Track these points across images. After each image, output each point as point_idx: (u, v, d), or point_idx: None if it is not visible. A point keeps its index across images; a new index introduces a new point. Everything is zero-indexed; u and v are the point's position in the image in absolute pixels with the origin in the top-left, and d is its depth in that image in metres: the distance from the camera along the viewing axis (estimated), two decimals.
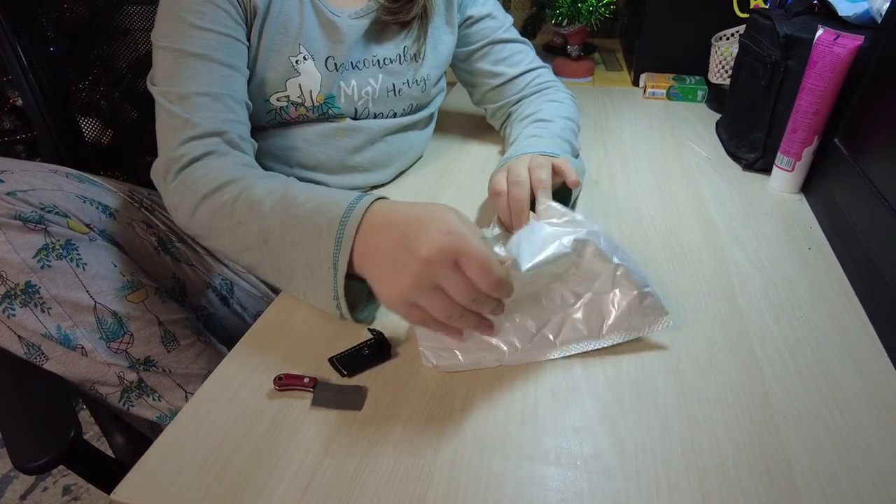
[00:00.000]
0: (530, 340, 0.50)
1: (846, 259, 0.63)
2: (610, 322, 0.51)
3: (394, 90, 0.77)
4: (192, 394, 0.62)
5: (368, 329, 0.51)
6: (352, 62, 0.73)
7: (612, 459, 0.42)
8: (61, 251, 0.55)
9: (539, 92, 0.85)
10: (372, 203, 0.50)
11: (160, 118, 0.61)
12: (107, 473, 0.56)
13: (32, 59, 0.79)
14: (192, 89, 0.60)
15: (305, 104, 0.71)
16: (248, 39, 0.67)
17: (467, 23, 0.83)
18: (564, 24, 1.21)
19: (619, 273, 0.50)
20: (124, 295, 0.59)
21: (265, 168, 0.71)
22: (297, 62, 0.69)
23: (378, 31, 0.74)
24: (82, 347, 0.56)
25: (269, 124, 0.72)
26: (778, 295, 0.58)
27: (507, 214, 0.62)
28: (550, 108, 0.80)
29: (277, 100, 0.70)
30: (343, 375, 0.49)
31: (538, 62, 0.88)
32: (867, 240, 0.59)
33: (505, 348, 0.50)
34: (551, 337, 0.51)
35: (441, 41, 0.80)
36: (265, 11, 0.66)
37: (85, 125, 0.90)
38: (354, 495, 0.39)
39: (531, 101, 0.84)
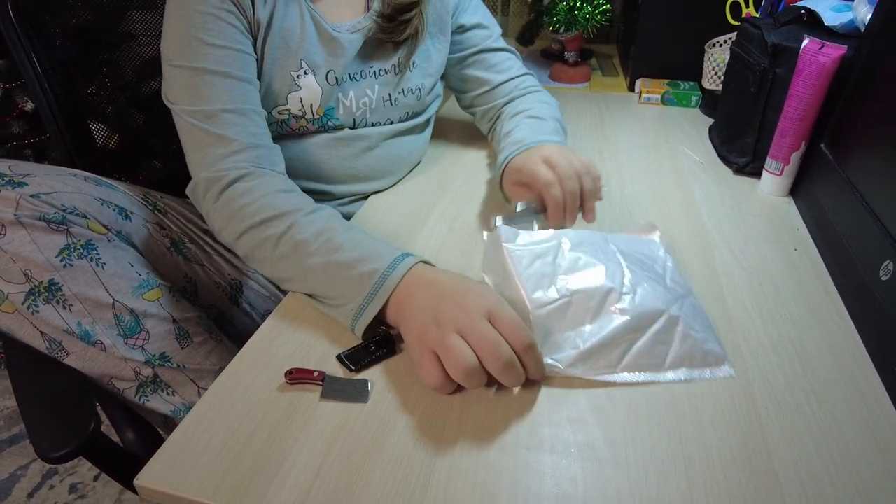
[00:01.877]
0: (590, 359, 0.51)
1: (829, 259, 0.66)
2: (672, 357, 0.51)
3: (390, 99, 0.79)
4: (205, 389, 0.65)
5: (378, 329, 0.54)
6: (350, 74, 0.75)
7: (603, 448, 0.45)
8: (82, 251, 0.58)
9: (526, 95, 0.87)
10: (415, 264, 0.54)
11: (190, 136, 0.63)
12: (122, 465, 0.59)
13: (43, 64, 0.82)
14: (218, 106, 0.63)
15: (306, 116, 0.74)
16: (257, 52, 0.70)
17: (458, 31, 0.86)
18: (561, 30, 1.24)
19: (679, 322, 0.51)
20: (141, 293, 0.62)
21: None
22: (297, 77, 0.71)
23: (373, 44, 0.77)
24: (101, 343, 0.59)
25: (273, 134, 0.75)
26: (763, 293, 0.61)
27: (558, 210, 0.64)
28: (541, 107, 0.83)
29: (279, 113, 0.73)
30: (351, 371, 0.51)
31: (524, 69, 0.91)
32: (849, 241, 0.62)
33: (562, 362, 0.51)
34: (612, 361, 0.51)
35: (434, 50, 0.83)
36: (268, 25, 0.69)
37: (93, 129, 0.93)
38: (362, 480, 0.42)
39: (520, 101, 0.86)
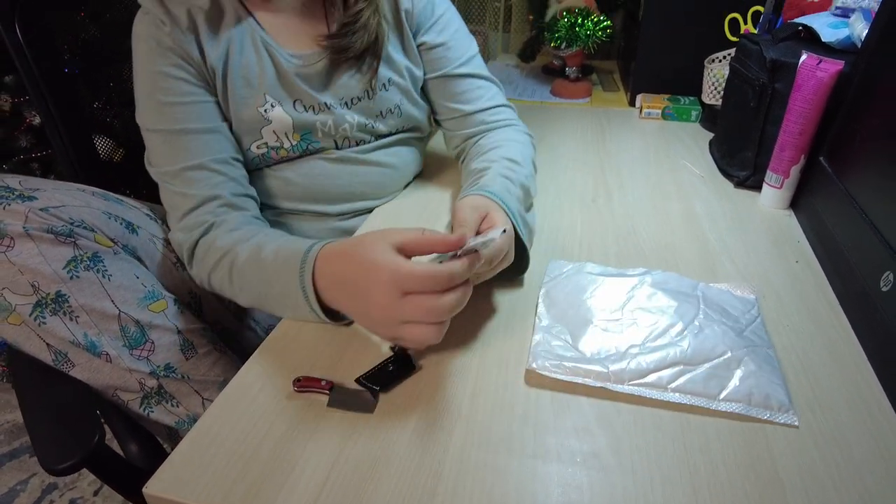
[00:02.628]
0: (643, 377, 0.51)
1: (831, 271, 0.66)
2: (729, 390, 0.50)
3: (370, 123, 0.78)
4: (210, 400, 0.66)
5: (390, 346, 0.54)
6: (322, 103, 0.74)
7: (609, 457, 0.45)
8: (89, 263, 0.58)
9: (495, 131, 0.81)
10: (324, 245, 0.56)
11: (162, 195, 0.69)
12: (125, 477, 0.59)
13: (50, 79, 0.83)
14: (180, 165, 0.67)
15: (284, 146, 0.74)
16: (216, 95, 0.71)
17: (420, 49, 0.81)
18: (563, 46, 1.26)
19: (741, 364, 0.51)
20: (146, 305, 0.62)
21: (269, 206, 0.77)
22: (265, 111, 0.72)
23: (337, 70, 0.75)
24: (107, 354, 0.59)
25: (258, 167, 0.76)
26: (766, 304, 0.61)
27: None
28: (510, 152, 0.75)
29: (257, 147, 0.73)
30: (377, 391, 0.51)
31: (499, 99, 0.84)
32: (850, 252, 0.62)
33: (613, 376, 0.51)
34: (664, 381, 0.51)
35: (403, 66, 0.79)
36: (223, 69, 0.69)
37: (98, 143, 0.94)
38: (370, 488, 0.42)
39: (484, 144, 0.79)
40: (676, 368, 0.51)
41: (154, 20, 0.67)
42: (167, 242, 0.71)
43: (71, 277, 0.57)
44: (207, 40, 0.68)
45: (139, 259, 0.66)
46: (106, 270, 0.60)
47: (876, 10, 0.69)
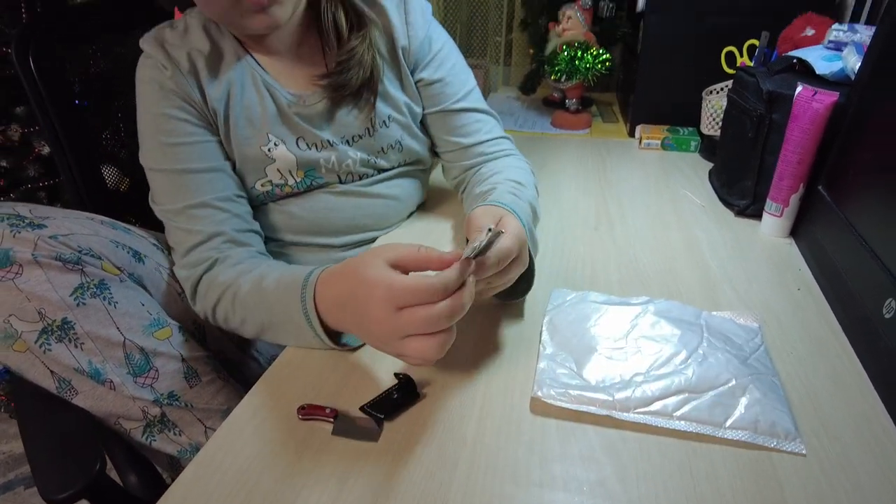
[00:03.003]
0: (648, 405, 0.51)
1: (833, 298, 0.66)
2: (734, 418, 0.49)
3: (372, 159, 0.79)
4: (212, 429, 0.65)
5: (395, 374, 0.54)
6: (324, 141, 0.75)
7: (615, 485, 0.44)
8: (95, 290, 0.59)
9: (494, 160, 0.82)
10: (323, 270, 0.58)
11: (167, 233, 0.70)
12: None
13: (60, 111, 0.84)
14: (184, 203, 0.68)
15: (289, 183, 0.75)
16: (219, 135, 0.72)
17: (418, 85, 0.81)
18: (563, 79, 1.28)
19: (746, 392, 0.51)
20: (151, 332, 0.62)
21: (273, 239, 0.78)
22: (268, 150, 0.73)
23: (337, 108, 0.76)
24: (111, 381, 0.59)
25: (263, 203, 0.77)
26: (769, 332, 0.61)
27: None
28: (512, 180, 0.76)
29: (262, 185, 0.74)
30: (381, 420, 0.51)
31: (497, 131, 0.85)
32: (851, 280, 0.63)
33: (618, 404, 0.51)
34: (670, 409, 0.50)
35: (402, 102, 0.80)
36: (225, 110, 0.71)
37: (105, 173, 0.95)
38: None
39: (485, 171, 0.80)
40: (681, 396, 0.51)
41: (156, 64, 0.69)
42: (173, 272, 0.71)
43: (77, 304, 0.57)
44: (208, 82, 0.70)
45: (145, 287, 0.67)
46: (112, 297, 0.60)
47: (867, 44, 0.71)
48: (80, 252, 0.59)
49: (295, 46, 0.75)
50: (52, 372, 0.58)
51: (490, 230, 0.49)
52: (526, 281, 0.63)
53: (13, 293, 0.55)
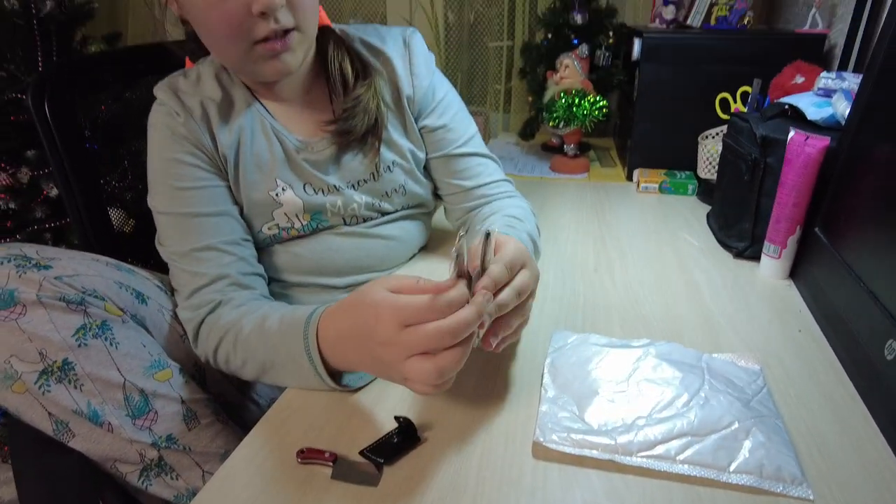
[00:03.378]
0: (650, 449, 0.50)
1: (834, 340, 0.66)
2: (739, 462, 0.49)
3: (377, 203, 0.81)
4: (210, 473, 0.64)
5: (395, 417, 0.54)
6: (330, 185, 0.77)
7: None
8: (97, 330, 0.59)
9: (495, 202, 0.84)
10: (326, 307, 0.58)
11: (171, 275, 0.71)
12: None
13: (71, 155, 0.86)
14: (190, 246, 0.69)
15: (295, 226, 0.77)
16: (227, 181, 0.74)
17: (422, 131, 0.84)
18: (561, 125, 1.31)
19: (750, 435, 0.51)
20: (152, 374, 0.62)
21: (276, 279, 0.79)
22: (276, 195, 0.74)
23: (343, 154, 0.78)
24: (109, 423, 0.59)
25: (268, 245, 0.78)
26: (771, 375, 0.61)
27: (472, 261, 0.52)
28: (512, 215, 0.78)
29: (268, 229, 0.76)
30: (381, 464, 0.50)
31: (498, 175, 0.87)
32: (852, 321, 0.63)
33: (621, 448, 0.50)
34: (673, 453, 0.50)
35: (406, 148, 0.82)
36: (235, 156, 0.73)
37: (111, 214, 0.97)
38: None
39: (486, 211, 0.82)
40: (684, 440, 0.50)
41: (169, 111, 0.71)
42: (175, 314, 0.72)
43: (79, 345, 0.57)
44: (219, 129, 0.72)
45: (147, 329, 0.67)
46: (114, 338, 0.60)
47: (856, 91, 0.73)
48: (83, 293, 0.59)
49: (303, 94, 0.78)
50: (49, 413, 0.58)
51: (461, 235, 0.47)
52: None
53: (15, 334, 0.55)
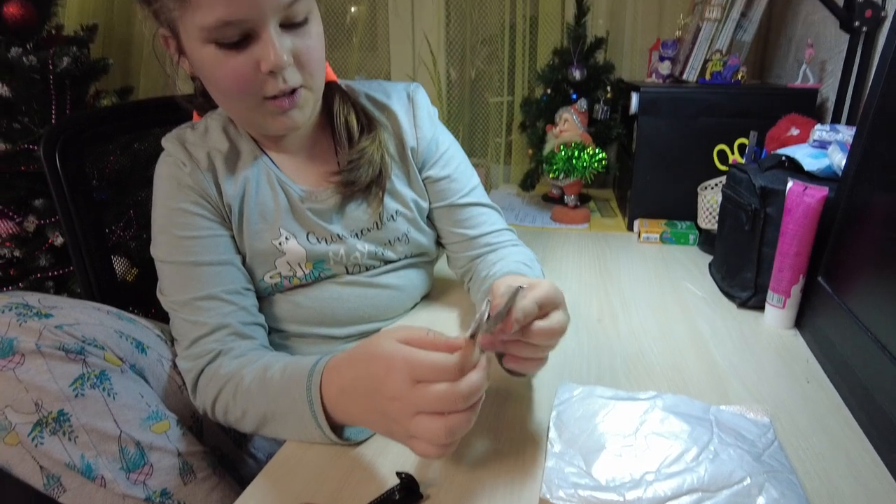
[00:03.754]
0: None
1: (844, 390, 0.65)
2: None
3: (380, 251, 0.81)
4: None
5: (396, 473, 0.53)
6: (333, 234, 0.78)
7: None
8: (95, 380, 0.58)
9: (499, 250, 0.84)
10: (331, 357, 0.58)
11: (172, 324, 0.71)
12: None
13: (79, 204, 0.87)
14: (191, 295, 0.69)
15: (297, 275, 0.77)
16: (231, 229, 0.75)
17: (426, 182, 0.85)
18: (561, 177, 1.33)
19: (763, 490, 0.49)
20: (149, 425, 0.61)
21: (276, 329, 0.78)
22: (279, 244, 0.75)
23: (347, 203, 0.79)
24: (102, 478, 0.57)
25: (270, 294, 0.78)
26: (781, 427, 0.60)
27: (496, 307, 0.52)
28: (517, 261, 0.79)
29: (270, 277, 0.76)
30: None
31: (501, 224, 0.88)
32: (860, 371, 0.62)
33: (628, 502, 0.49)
34: None
35: (410, 198, 0.83)
36: (240, 206, 0.74)
37: (115, 263, 0.97)
38: None
39: (494, 254, 0.83)
40: (695, 496, 0.49)
41: (176, 161, 0.73)
42: (174, 365, 0.71)
43: (76, 395, 0.57)
44: (225, 179, 0.73)
45: (145, 379, 0.66)
46: (112, 388, 0.59)
47: (850, 142, 0.75)
48: (83, 342, 0.59)
49: (309, 146, 0.79)
50: (41, 467, 0.56)
51: (488, 301, 0.49)
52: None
53: (12, 384, 0.55)
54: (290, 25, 0.65)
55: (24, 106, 1.44)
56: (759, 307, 0.85)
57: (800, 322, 0.81)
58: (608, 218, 1.42)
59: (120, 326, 0.66)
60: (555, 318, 0.54)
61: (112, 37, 1.84)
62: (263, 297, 0.77)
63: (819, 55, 1.21)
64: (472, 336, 0.47)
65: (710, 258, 1.08)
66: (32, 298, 0.60)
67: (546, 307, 0.54)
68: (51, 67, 1.41)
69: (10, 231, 1.42)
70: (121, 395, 0.60)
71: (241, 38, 0.62)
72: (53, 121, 1.43)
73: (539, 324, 0.53)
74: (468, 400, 0.46)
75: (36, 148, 1.40)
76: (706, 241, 1.15)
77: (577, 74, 1.42)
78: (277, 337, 0.79)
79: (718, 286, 0.96)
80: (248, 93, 0.65)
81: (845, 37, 1.04)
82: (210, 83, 0.68)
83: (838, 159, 0.80)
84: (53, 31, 1.53)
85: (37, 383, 0.55)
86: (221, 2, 0.60)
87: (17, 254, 1.43)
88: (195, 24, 0.61)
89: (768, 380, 0.69)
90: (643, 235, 1.21)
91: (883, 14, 0.98)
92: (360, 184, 0.77)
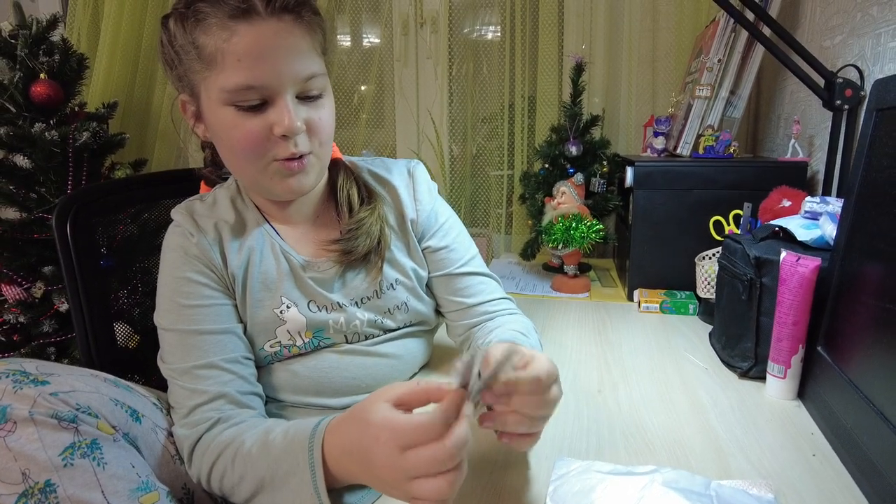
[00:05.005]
0: None
1: (851, 465, 0.63)
2: None
3: (380, 319, 0.82)
4: None
5: None
6: (334, 303, 0.79)
7: None
8: (86, 449, 0.57)
9: (497, 318, 0.85)
10: (332, 418, 0.59)
11: (170, 391, 0.71)
12: None
13: (85, 272, 0.89)
14: (192, 363, 0.70)
15: (297, 344, 0.78)
16: (234, 298, 0.76)
17: (425, 251, 0.87)
18: (560, 247, 1.35)
19: None
20: (138, 497, 0.59)
21: (273, 399, 0.78)
22: (280, 312, 0.76)
23: (347, 272, 0.80)
24: None
25: (269, 363, 0.78)
26: None
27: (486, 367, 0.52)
28: (515, 328, 0.80)
29: (270, 346, 0.77)
30: None
31: (499, 293, 0.89)
32: (866, 445, 0.60)
33: None
34: None
35: (409, 267, 0.85)
36: (244, 275, 0.76)
37: (117, 330, 0.98)
38: None
39: (493, 322, 0.84)
40: None
41: (184, 232, 0.75)
42: (169, 434, 0.70)
43: (65, 465, 0.56)
44: (230, 250, 0.75)
45: (138, 448, 0.65)
46: (102, 458, 0.58)
47: (839, 213, 0.76)
48: (77, 409, 0.59)
49: (313, 218, 0.82)
50: None
51: (472, 355, 0.51)
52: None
53: (1, 453, 0.54)
54: (305, 98, 0.70)
55: (42, 177, 1.49)
56: (761, 377, 0.84)
57: (803, 393, 0.79)
58: (608, 287, 1.42)
59: (116, 394, 0.65)
60: (552, 392, 0.56)
61: (130, 111, 1.93)
62: (262, 367, 0.77)
63: (806, 130, 1.25)
64: (462, 387, 0.48)
65: (710, 328, 1.08)
66: (30, 365, 0.61)
67: (549, 381, 0.55)
68: (71, 141, 1.48)
69: (18, 297, 1.44)
70: (111, 465, 0.58)
71: (259, 103, 0.67)
72: (69, 191, 1.49)
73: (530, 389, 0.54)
74: (458, 456, 0.47)
75: (49, 217, 1.44)
76: (706, 310, 1.15)
77: (573, 150, 1.47)
78: (274, 407, 0.78)
79: (719, 356, 0.95)
80: (260, 154, 0.69)
81: (829, 113, 1.09)
82: (224, 144, 0.71)
83: (829, 230, 0.82)
84: (77, 108, 1.62)
85: (26, 452, 0.54)
86: (246, 67, 0.65)
87: (21, 319, 1.45)
88: (218, 85, 0.66)
89: (772, 453, 0.67)
90: (643, 305, 1.21)
91: (862, 93, 1.02)
92: (357, 253, 0.79)
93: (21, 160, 1.46)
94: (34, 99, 1.48)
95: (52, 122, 1.50)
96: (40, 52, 1.50)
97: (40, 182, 1.51)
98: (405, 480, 0.47)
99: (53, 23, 1.54)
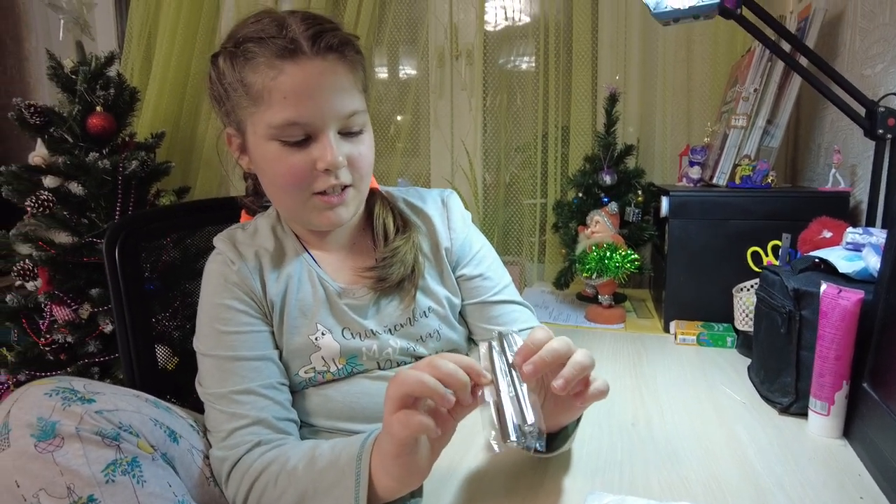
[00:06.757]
0: None
1: None
2: None
3: (412, 347, 0.83)
4: None
5: None
6: (368, 330, 0.80)
7: None
8: (127, 467, 0.59)
9: None
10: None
11: (207, 415, 0.74)
12: None
13: (130, 294, 0.93)
14: (229, 388, 0.72)
15: (331, 370, 0.79)
16: (272, 325, 0.78)
17: (459, 280, 0.89)
18: (594, 277, 1.34)
19: None
20: None
21: (306, 423, 0.80)
22: (316, 339, 0.78)
23: (381, 299, 0.82)
24: None
25: (302, 388, 0.80)
26: None
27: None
28: None
29: (305, 372, 0.79)
30: None
31: (533, 321, 0.90)
32: None
33: None
34: None
35: (442, 295, 0.86)
36: (281, 302, 0.78)
37: (157, 352, 1.01)
38: None
39: None
40: None
41: (225, 260, 0.78)
42: (205, 456, 0.72)
43: (107, 481, 0.58)
44: (270, 277, 0.78)
45: (174, 468, 0.67)
46: (142, 476, 0.60)
47: (883, 245, 0.74)
48: (120, 427, 0.61)
49: (349, 246, 0.84)
50: None
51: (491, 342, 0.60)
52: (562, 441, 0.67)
53: (49, 467, 0.56)
54: (347, 133, 0.73)
55: (93, 203, 1.57)
56: (802, 414, 0.81)
57: (848, 431, 0.76)
58: (644, 318, 1.40)
59: (156, 414, 0.68)
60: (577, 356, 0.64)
61: (176, 141, 2.02)
62: (296, 391, 0.79)
63: (848, 160, 1.22)
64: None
65: (748, 361, 1.05)
66: (79, 384, 0.63)
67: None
68: (121, 169, 1.56)
69: (67, 318, 1.50)
70: (149, 483, 0.60)
71: (303, 139, 0.70)
72: (117, 216, 1.56)
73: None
74: (441, 370, 0.53)
75: (99, 241, 1.51)
76: (744, 343, 1.12)
77: (607, 179, 1.47)
78: (307, 432, 0.79)
79: (758, 390, 0.92)
80: (301, 188, 0.72)
81: (872, 143, 1.06)
82: (267, 177, 0.74)
83: (873, 262, 0.79)
84: (127, 138, 1.70)
85: (72, 467, 0.57)
86: (291, 105, 0.68)
87: (69, 339, 1.51)
88: (265, 121, 0.69)
89: (816, 494, 0.65)
90: (679, 337, 1.19)
91: None
92: (391, 280, 0.80)
93: (75, 187, 1.54)
94: (90, 130, 1.57)
95: (104, 151, 1.59)
96: (97, 86, 1.59)
97: (91, 208, 1.59)
98: (393, 400, 0.53)
99: (110, 59, 1.64)
